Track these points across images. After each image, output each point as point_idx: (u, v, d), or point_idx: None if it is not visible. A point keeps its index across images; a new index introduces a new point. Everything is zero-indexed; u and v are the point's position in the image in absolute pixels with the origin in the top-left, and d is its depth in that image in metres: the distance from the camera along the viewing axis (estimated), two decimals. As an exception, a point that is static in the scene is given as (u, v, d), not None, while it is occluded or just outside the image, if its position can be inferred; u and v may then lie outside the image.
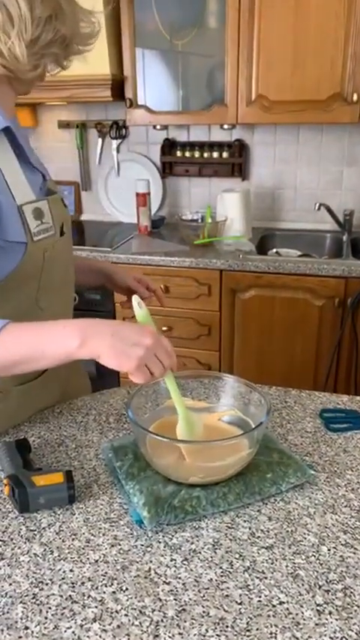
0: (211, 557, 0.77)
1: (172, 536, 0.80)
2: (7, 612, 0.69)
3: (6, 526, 0.83)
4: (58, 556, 0.77)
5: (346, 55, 2.11)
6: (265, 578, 0.73)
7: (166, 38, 2.30)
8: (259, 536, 0.80)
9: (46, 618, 0.68)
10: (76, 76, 2.16)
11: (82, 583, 0.73)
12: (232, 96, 2.28)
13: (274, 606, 0.69)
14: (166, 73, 2.38)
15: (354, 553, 0.77)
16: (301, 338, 2.25)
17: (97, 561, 0.76)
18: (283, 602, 0.70)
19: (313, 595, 0.71)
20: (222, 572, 0.74)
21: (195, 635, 0.65)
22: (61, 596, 0.71)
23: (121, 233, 2.66)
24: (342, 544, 0.79)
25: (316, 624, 0.67)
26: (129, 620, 0.67)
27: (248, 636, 0.65)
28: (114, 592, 0.71)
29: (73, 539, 0.80)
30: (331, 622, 0.67)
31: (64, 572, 0.75)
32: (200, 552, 0.77)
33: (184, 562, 0.76)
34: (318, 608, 0.69)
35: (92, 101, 2.54)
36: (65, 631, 0.66)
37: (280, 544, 0.79)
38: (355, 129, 2.51)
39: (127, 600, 0.70)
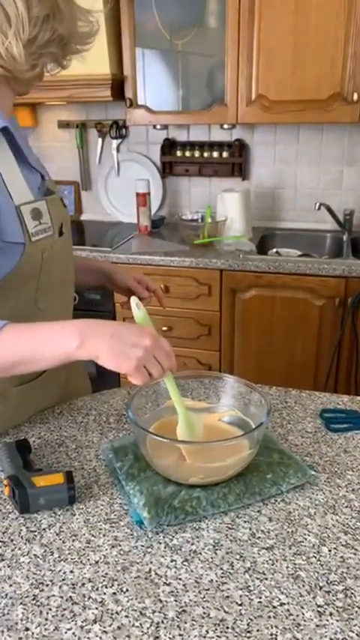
0: (212, 558, 0.77)
1: (173, 537, 0.80)
2: (8, 613, 0.69)
3: (6, 527, 0.83)
4: (59, 557, 0.77)
5: (346, 54, 2.11)
6: (266, 579, 0.73)
7: (166, 38, 2.30)
8: (259, 537, 0.80)
9: (46, 619, 0.68)
10: (75, 76, 2.16)
11: (83, 584, 0.73)
12: (232, 96, 2.27)
13: (274, 607, 0.69)
14: (166, 72, 2.38)
15: (354, 554, 0.77)
16: (302, 338, 2.25)
17: (97, 562, 0.76)
18: (284, 603, 0.69)
19: (314, 596, 0.71)
20: (222, 573, 0.74)
21: (195, 636, 0.65)
22: (62, 597, 0.71)
23: (121, 233, 2.66)
24: (343, 545, 0.79)
25: (317, 625, 0.67)
26: (129, 622, 0.67)
27: (249, 637, 0.65)
28: (114, 593, 0.71)
29: (73, 540, 0.80)
30: (332, 623, 0.67)
31: (64, 573, 0.75)
32: (201, 553, 0.77)
33: (185, 563, 0.76)
34: (319, 609, 0.69)
35: (92, 101, 2.54)
36: (66, 632, 0.66)
37: (281, 545, 0.79)
38: (355, 128, 2.50)
39: (128, 601, 0.70)
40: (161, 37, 2.30)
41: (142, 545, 0.79)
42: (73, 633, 0.66)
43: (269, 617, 0.68)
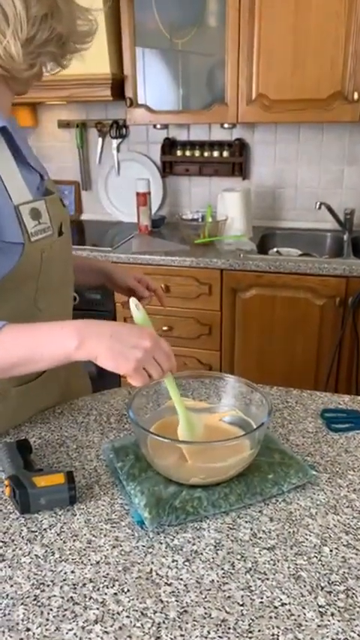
0: (213, 558, 0.76)
1: (174, 537, 0.80)
2: (9, 614, 0.69)
3: (7, 527, 0.83)
4: (60, 557, 0.77)
5: (347, 53, 2.11)
6: (267, 579, 0.73)
7: (166, 37, 2.30)
8: (260, 537, 0.80)
9: (47, 620, 0.68)
10: (76, 76, 2.15)
11: (84, 584, 0.73)
12: (233, 95, 2.27)
13: (276, 607, 0.69)
14: (166, 72, 2.37)
15: (356, 554, 0.77)
16: (302, 337, 2.25)
17: (98, 562, 0.76)
18: (285, 604, 0.69)
19: (316, 596, 0.70)
20: (224, 573, 0.74)
21: (197, 636, 0.65)
22: (63, 597, 0.71)
23: (122, 232, 2.66)
24: (344, 545, 0.79)
25: (319, 625, 0.66)
26: (130, 622, 0.67)
27: (250, 638, 0.65)
28: (115, 593, 0.71)
29: (74, 541, 0.80)
30: (334, 623, 0.67)
31: (65, 573, 0.75)
32: (202, 553, 0.77)
33: (186, 563, 0.76)
34: (320, 609, 0.69)
35: (92, 100, 2.54)
36: (67, 633, 0.66)
37: (282, 545, 0.78)
38: (355, 128, 2.50)
39: (129, 602, 0.70)
40: (161, 37, 2.30)
41: (143, 546, 0.79)
42: (75, 634, 0.66)
43: (270, 617, 0.67)
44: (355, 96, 2.14)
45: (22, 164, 0.98)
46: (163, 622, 0.67)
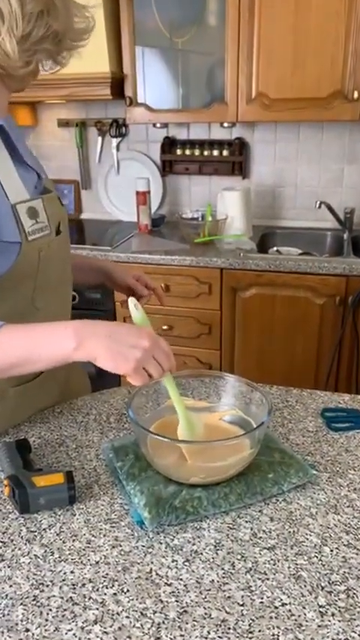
0: (213, 558, 0.76)
1: (174, 537, 0.80)
2: (8, 614, 0.68)
3: (6, 527, 0.82)
4: (59, 557, 0.77)
5: (347, 52, 2.10)
6: (267, 579, 0.73)
7: (165, 36, 2.29)
8: (260, 537, 0.80)
9: (46, 620, 0.68)
10: (75, 75, 2.15)
11: (83, 585, 0.72)
12: (232, 94, 2.27)
13: (276, 608, 0.69)
14: (165, 71, 2.37)
15: (357, 554, 0.77)
16: (302, 336, 2.25)
17: (97, 562, 0.76)
18: (286, 604, 0.69)
19: (316, 596, 0.70)
20: (224, 573, 0.74)
21: (197, 637, 0.65)
22: (62, 597, 0.71)
23: (121, 232, 2.65)
24: (344, 545, 0.78)
25: (319, 626, 0.66)
26: (130, 622, 0.67)
27: (250, 638, 0.65)
28: (115, 594, 0.71)
29: (73, 541, 0.80)
30: (334, 623, 0.66)
31: (64, 573, 0.74)
32: (202, 553, 0.77)
33: (186, 563, 0.75)
34: (321, 609, 0.68)
35: (92, 99, 2.53)
36: (66, 633, 0.66)
37: (282, 545, 0.78)
38: (355, 126, 2.50)
39: (129, 602, 0.70)
40: (161, 36, 2.29)
41: (143, 546, 0.78)
42: (74, 634, 0.66)
43: (271, 617, 0.67)
44: (355, 95, 2.14)
45: (19, 163, 0.98)
46: (163, 622, 0.67)
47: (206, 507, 0.83)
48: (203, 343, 2.36)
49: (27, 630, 0.66)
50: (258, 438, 0.88)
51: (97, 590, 0.72)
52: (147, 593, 0.71)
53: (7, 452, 0.92)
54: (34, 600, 0.70)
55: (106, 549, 0.78)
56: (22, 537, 0.80)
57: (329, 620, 0.67)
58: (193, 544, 0.78)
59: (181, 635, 0.65)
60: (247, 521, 0.83)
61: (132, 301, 0.90)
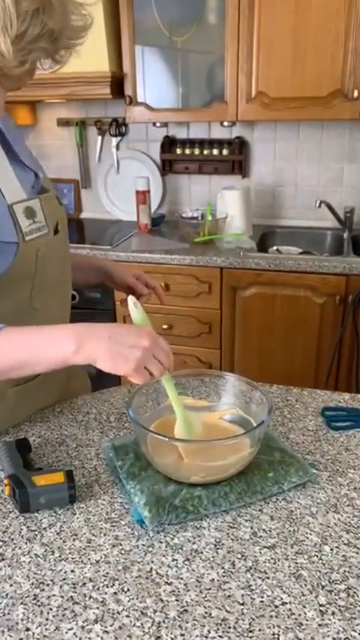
0: (213, 557, 0.76)
1: (174, 536, 0.80)
2: (8, 613, 0.68)
3: (7, 526, 0.82)
4: (59, 556, 0.77)
5: (347, 50, 2.10)
6: (268, 578, 0.73)
7: (165, 35, 2.29)
8: (261, 536, 0.80)
9: (47, 619, 0.68)
10: (75, 74, 2.15)
11: (84, 584, 0.72)
12: (232, 93, 2.27)
13: (276, 607, 0.69)
14: (165, 70, 2.37)
15: (357, 553, 0.77)
16: (302, 336, 2.25)
17: (98, 562, 0.76)
18: (286, 603, 0.69)
19: (316, 595, 0.70)
20: (224, 572, 0.74)
21: (197, 636, 0.65)
22: (62, 597, 0.71)
23: (121, 231, 2.65)
24: (345, 543, 0.78)
25: (319, 625, 0.66)
26: (130, 622, 0.67)
27: (251, 637, 0.65)
28: (115, 593, 0.71)
29: (74, 540, 0.80)
30: (334, 622, 0.66)
31: (65, 572, 0.74)
32: (202, 552, 0.77)
33: (186, 562, 0.75)
34: (321, 608, 0.68)
35: (92, 99, 2.53)
36: (66, 632, 0.66)
37: (283, 544, 0.78)
38: (355, 125, 2.50)
39: (129, 601, 0.70)
40: (161, 35, 2.29)
41: (143, 545, 0.78)
42: (74, 633, 0.66)
43: (271, 616, 0.67)
44: (355, 94, 2.13)
45: (16, 162, 0.97)
46: (163, 621, 0.67)
47: (206, 506, 0.83)
48: (203, 342, 2.36)
49: (27, 629, 0.66)
50: (258, 437, 0.88)
51: (98, 589, 0.72)
52: (147, 592, 0.71)
53: (8, 451, 0.92)
54: (34, 599, 0.70)
55: (107, 548, 0.78)
56: (22, 536, 0.80)
57: (329, 619, 0.67)
58: (194, 543, 0.79)
59: (182, 634, 0.65)
60: (247, 520, 0.83)
61: (131, 300, 0.90)
